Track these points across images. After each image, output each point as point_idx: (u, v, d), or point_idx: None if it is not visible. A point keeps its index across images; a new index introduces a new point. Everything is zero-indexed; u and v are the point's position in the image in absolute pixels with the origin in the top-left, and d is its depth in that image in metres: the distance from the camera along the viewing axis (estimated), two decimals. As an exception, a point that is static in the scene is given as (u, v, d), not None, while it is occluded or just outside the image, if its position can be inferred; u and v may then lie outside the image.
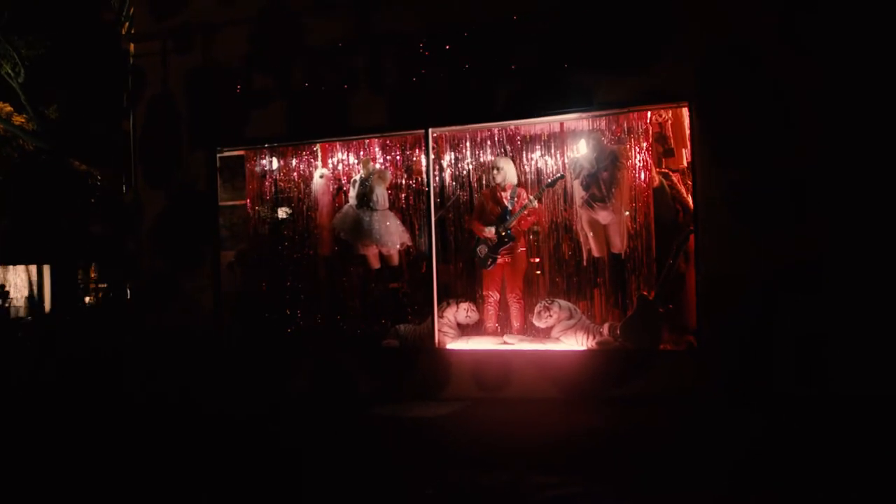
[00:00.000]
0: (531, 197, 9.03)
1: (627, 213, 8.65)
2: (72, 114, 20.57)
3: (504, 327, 9.29)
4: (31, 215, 23.12)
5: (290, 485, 5.70)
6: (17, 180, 23.39)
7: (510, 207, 9.01)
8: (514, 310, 9.18)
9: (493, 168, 9.18)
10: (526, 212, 8.96)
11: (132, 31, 10.27)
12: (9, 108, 21.43)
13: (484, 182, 9.46)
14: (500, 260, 9.11)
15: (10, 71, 19.09)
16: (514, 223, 8.98)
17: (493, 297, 9.25)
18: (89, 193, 24.75)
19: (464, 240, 9.54)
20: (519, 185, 9.23)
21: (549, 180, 9.01)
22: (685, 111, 8.24)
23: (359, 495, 5.39)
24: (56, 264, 24.95)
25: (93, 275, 32.71)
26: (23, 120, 21.13)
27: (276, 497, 5.43)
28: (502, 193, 9.11)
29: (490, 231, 9.06)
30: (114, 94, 11.00)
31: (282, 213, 10.27)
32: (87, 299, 31.76)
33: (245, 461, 6.36)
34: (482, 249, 9.15)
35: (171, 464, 6.43)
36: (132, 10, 10.33)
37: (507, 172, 9.11)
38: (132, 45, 10.23)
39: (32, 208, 22.85)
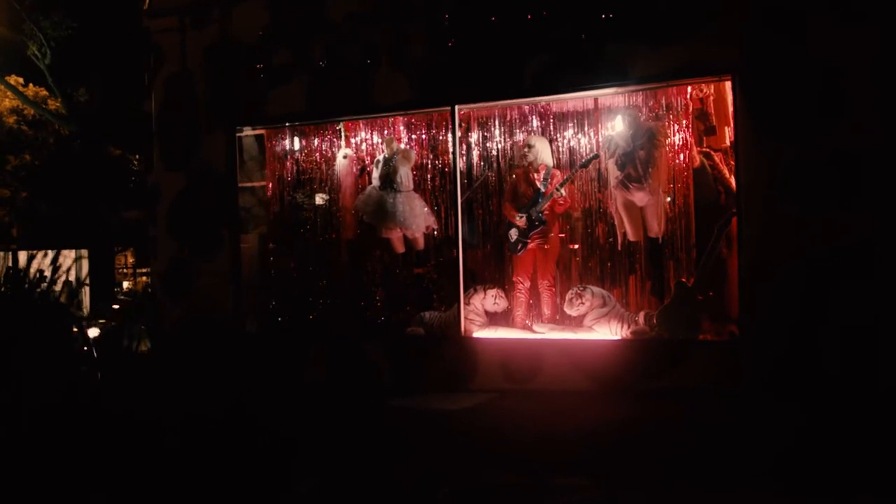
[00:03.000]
0: (564, 178, 8.57)
1: (666, 195, 8.19)
2: (100, 96, 20.51)
3: (534, 315, 8.88)
4: (67, 200, 23.12)
5: (294, 481, 5.32)
6: (54, 165, 23.42)
7: (543, 190, 8.55)
8: (546, 297, 8.78)
9: (524, 146, 8.74)
10: (559, 194, 8.47)
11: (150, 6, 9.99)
12: (44, 93, 21.42)
13: (514, 162, 9.02)
14: (531, 245, 8.70)
15: (36, 52, 18.99)
16: (546, 206, 8.51)
17: (523, 283, 8.84)
18: (126, 178, 24.75)
19: (492, 223, 9.15)
20: (553, 166, 8.78)
21: (583, 161, 8.58)
22: (728, 86, 7.80)
23: (368, 494, 5.03)
24: (93, 250, 24.94)
25: (131, 260, 32.92)
26: (58, 104, 21.13)
27: (275, 494, 5.06)
28: (535, 175, 8.67)
29: (520, 215, 8.61)
30: (137, 75, 10.70)
31: (318, 198, 9.97)
32: (125, 284, 31.92)
33: (247, 457, 5.96)
34: (513, 234, 8.74)
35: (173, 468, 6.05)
36: (151, -16, 10.07)
37: (541, 152, 8.67)
38: (151, 22, 9.92)
39: (69, 193, 22.84)
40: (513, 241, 8.74)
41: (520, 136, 8.98)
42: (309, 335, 9.42)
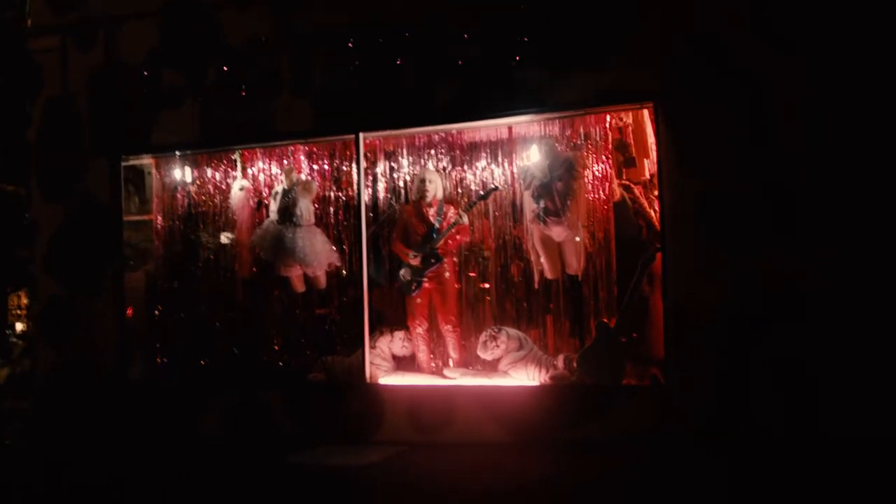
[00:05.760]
0: (460, 211, 8.16)
1: (585, 229, 7.78)
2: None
3: (444, 360, 8.35)
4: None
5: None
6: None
7: (437, 225, 8.09)
8: (451, 340, 8.27)
9: (419, 181, 8.31)
10: (455, 229, 8.08)
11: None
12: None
13: (412, 197, 8.53)
14: (426, 285, 8.19)
15: None
16: (441, 243, 8.04)
17: (420, 326, 8.32)
18: (20, 215, 23.63)
19: (399, 260, 8.54)
20: (453, 198, 8.39)
21: (482, 192, 8.19)
22: (646, 116, 7.53)
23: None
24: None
25: (24, 301, 31.44)
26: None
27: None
28: (428, 209, 8.20)
29: (413, 253, 8.13)
30: (18, 101, 9.89)
31: (212, 233, 9.33)
32: (18, 326, 30.43)
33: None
34: (405, 273, 8.23)
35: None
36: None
37: (434, 184, 8.26)
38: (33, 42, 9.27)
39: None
40: (406, 280, 8.22)
41: (429, 167, 8.48)
42: (201, 383, 8.73)
